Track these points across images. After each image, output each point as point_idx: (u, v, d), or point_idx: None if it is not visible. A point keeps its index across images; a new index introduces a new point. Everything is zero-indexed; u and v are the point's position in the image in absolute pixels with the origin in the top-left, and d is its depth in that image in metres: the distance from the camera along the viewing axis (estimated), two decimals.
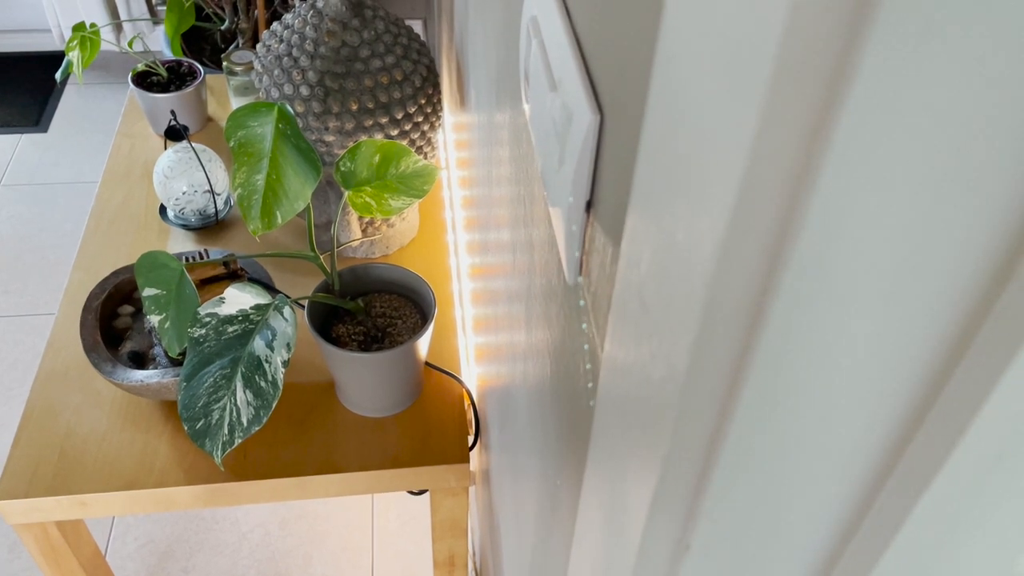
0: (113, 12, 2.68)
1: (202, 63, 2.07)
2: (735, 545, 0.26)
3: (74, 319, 1.18)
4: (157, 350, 1.06)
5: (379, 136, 1.10)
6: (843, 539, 0.25)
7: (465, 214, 1.21)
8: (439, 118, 1.17)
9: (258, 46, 1.14)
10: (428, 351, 1.14)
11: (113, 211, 1.35)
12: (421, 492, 1.59)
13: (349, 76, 1.07)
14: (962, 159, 0.16)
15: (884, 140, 0.16)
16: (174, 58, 1.51)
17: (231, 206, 1.34)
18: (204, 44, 2.16)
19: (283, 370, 0.82)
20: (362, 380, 1.03)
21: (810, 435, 0.23)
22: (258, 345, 0.82)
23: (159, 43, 2.69)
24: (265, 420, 0.82)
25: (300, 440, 1.06)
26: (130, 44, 1.59)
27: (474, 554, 1.53)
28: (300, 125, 1.08)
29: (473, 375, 1.20)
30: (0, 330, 2.07)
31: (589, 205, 0.39)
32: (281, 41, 1.10)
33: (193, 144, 1.25)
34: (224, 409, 0.82)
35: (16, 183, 2.46)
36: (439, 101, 1.16)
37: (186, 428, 0.82)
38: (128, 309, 1.10)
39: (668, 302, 0.25)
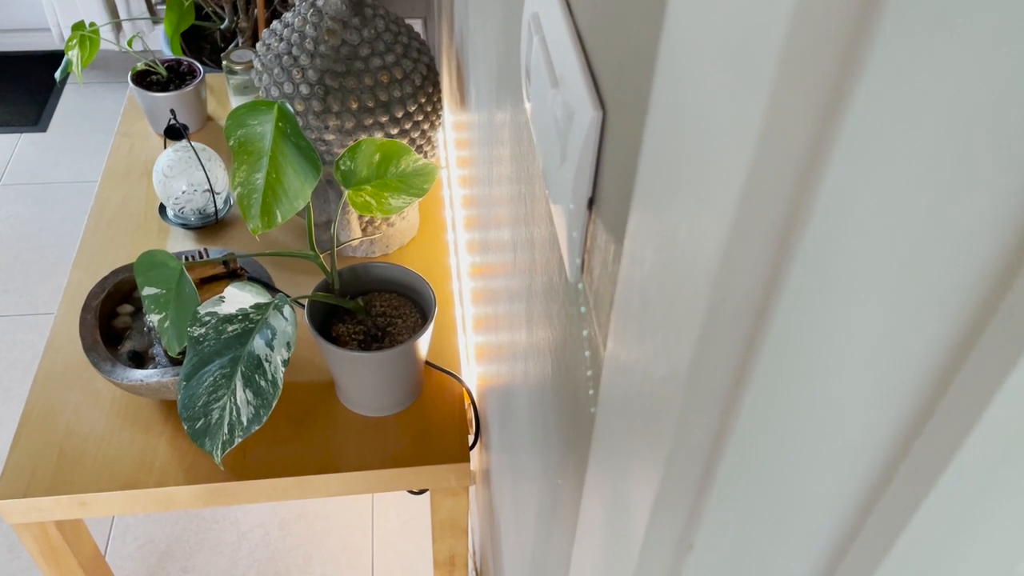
0: (113, 11, 2.68)
1: (202, 62, 2.06)
2: (739, 544, 0.26)
3: (73, 318, 1.18)
4: (157, 349, 1.05)
5: (379, 135, 1.10)
6: (847, 538, 0.25)
7: (465, 213, 1.20)
8: (439, 117, 1.17)
9: (258, 45, 1.14)
10: (428, 350, 1.14)
11: (113, 210, 1.35)
12: (421, 492, 1.59)
13: (349, 75, 1.07)
14: (972, 154, 0.16)
15: (892, 135, 0.16)
16: (174, 57, 1.51)
17: (231, 205, 1.34)
18: (204, 43, 2.16)
19: (283, 369, 0.82)
20: (362, 379, 1.03)
21: (814, 434, 0.22)
22: (258, 344, 0.82)
23: (159, 42, 2.68)
24: (265, 419, 0.82)
25: (300, 439, 1.05)
26: (129, 43, 1.59)
27: (474, 554, 1.53)
28: (300, 124, 1.08)
29: (473, 374, 1.20)
30: None
31: (591, 203, 0.39)
32: (281, 40, 1.10)
33: (193, 143, 1.25)
34: (224, 408, 0.82)
35: (15, 182, 2.46)
36: (439, 100, 1.16)
37: (186, 427, 0.82)
38: (128, 308, 1.10)
39: (671, 300, 0.25)
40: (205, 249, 1.11)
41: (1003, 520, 0.22)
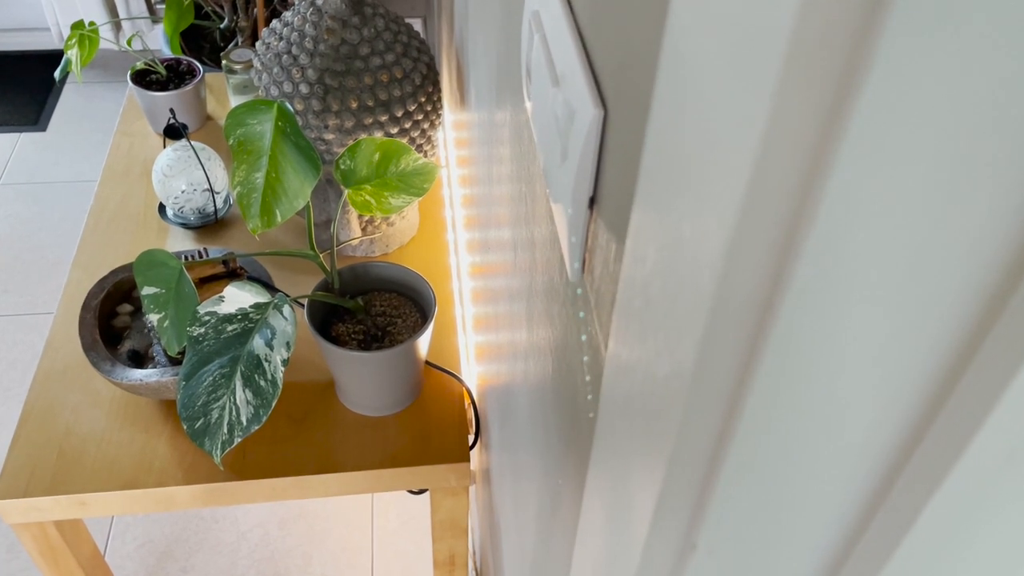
0: (112, 10, 2.68)
1: (201, 61, 2.06)
2: (742, 544, 0.25)
3: (73, 318, 1.17)
4: (156, 349, 1.05)
5: (379, 134, 1.10)
6: (852, 539, 0.25)
7: (465, 212, 1.20)
8: (439, 116, 1.17)
9: (257, 44, 1.13)
10: (428, 350, 1.14)
11: (112, 210, 1.35)
12: (421, 491, 1.59)
13: (349, 74, 1.06)
14: (978, 154, 0.16)
15: (897, 134, 0.16)
16: (173, 56, 1.51)
17: (230, 204, 1.34)
18: (203, 42, 2.15)
19: (283, 369, 0.81)
20: (362, 379, 1.02)
21: (819, 434, 0.22)
22: (257, 344, 0.82)
23: (158, 41, 2.68)
24: (265, 419, 0.81)
25: (300, 439, 1.05)
26: (129, 42, 1.59)
27: (474, 554, 1.53)
28: (300, 123, 1.07)
29: (473, 374, 1.20)
30: None
31: (592, 202, 0.39)
32: (280, 39, 1.10)
33: (192, 142, 1.25)
34: (223, 408, 0.82)
35: (15, 182, 2.46)
36: (439, 99, 1.15)
37: (185, 427, 0.82)
38: (127, 308, 1.10)
39: (674, 299, 0.25)
40: (205, 248, 1.11)
41: (1008, 524, 0.22)
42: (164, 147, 1.27)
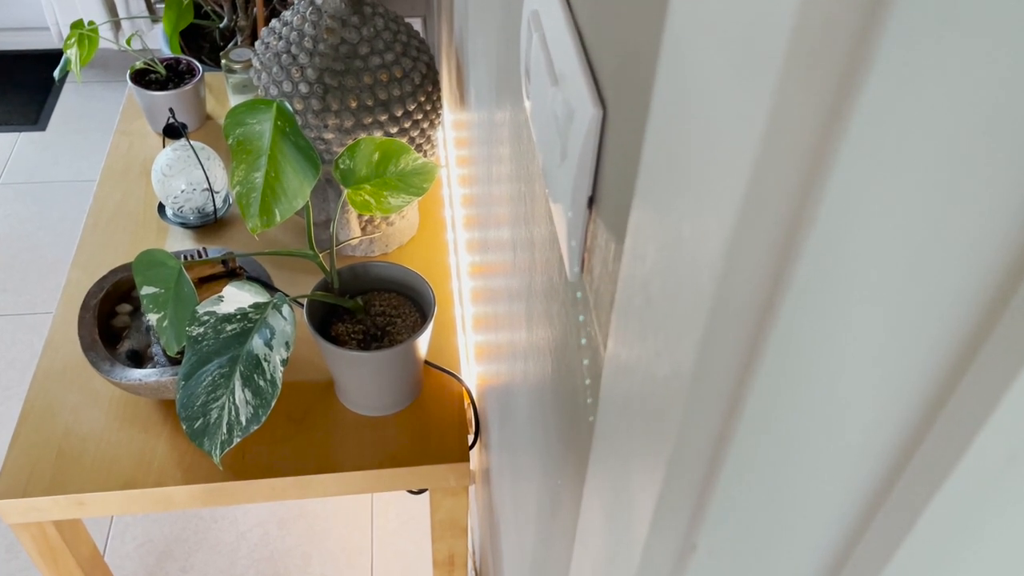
0: (111, 10, 2.68)
1: (201, 61, 2.06)
2: (742, 545, 0.25)
3: (72, 318, 1.17)
4: (155, 349, 1.05)
5: (378, 134, 1.10)
6: (852, 540, 0.25)
7: (465, 212, 1.20)
8: (439, 115, 1.17)
9: (257, 43, 1.13)
10: (428, 350, 1.13)
11: (111, 209, 1.34)
12: (421, 491, 1.59)
13: (348, 73, 1.06)
14: (980, 153, 0.16)
15: (899, 133, 0.16)
16: (172, 56, 1.51)
17: (230, 204, 1.34)
18: (203, 42, 2.15)
19: (282, 369, 0.81)
20: (361, 379, 1.02)
21: (819, 434, 0.22)
22: (257, 344, 0.82)
23: (158, 41, 2.68)
24: (264, 419, 0.81)
25: (299, 439, 1.05)
26: (128, 42, 1.59)
27: (474, 553, 1.53)
28: (299, 123, 1.07)
29: (473, 374, 1.20)
30: None
31: (591, 201, 0.38)
32: (280, 38, 1.10)
33: (192, 142, 1.24)
34: (223, 408, 0.81)
35: (14, 181, 2.46)
36: (439, 98, 1.15)
37: (184, 427, 0.81)
38: (126, 308, 1.10)
39: (674, 299, 0.25)
40: (204, 248, 1.11)
41: (1009, 526, 0.22)
42: (163, 147, 1.27)
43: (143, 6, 2.69)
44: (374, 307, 1.07)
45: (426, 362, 1.13)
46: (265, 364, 0.82)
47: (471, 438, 1.12)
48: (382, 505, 1.75)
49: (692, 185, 0.23)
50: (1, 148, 2.56)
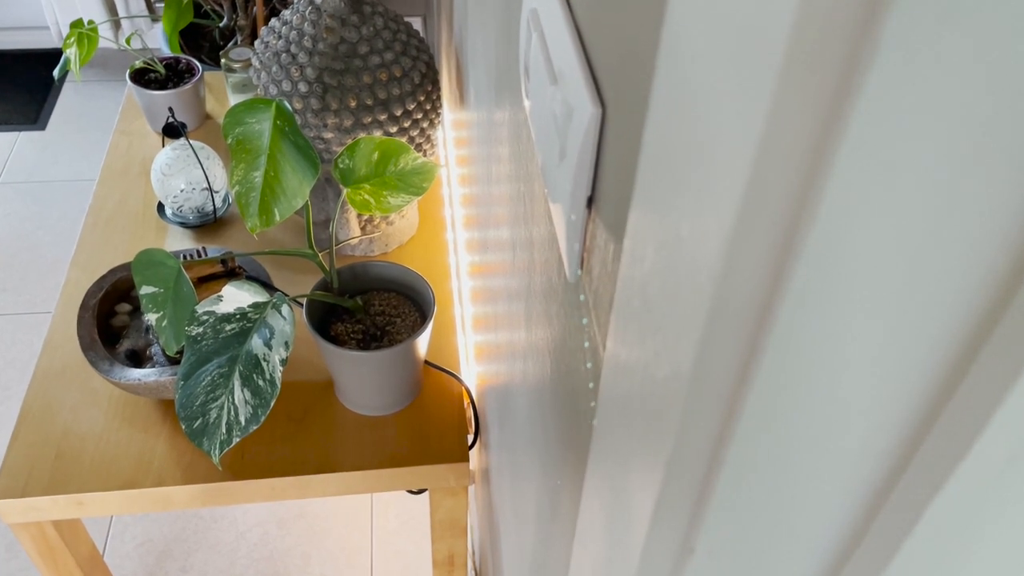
0: (111, 9, 2.68)
1: (200, 60, 2.06)
2: (741, 548, 0.25)
3: (71, 317, 1.17)
4: (155, 348, 1.05)
5: (378, 133, 1.10)
6: (851, 543, 0.24)
7: (465, 212, 1.20)
8: (438, 115, 1.16)
9: (256, 43, 1.13)
10: (427, 349, 1.13)
11: (111, 209, 1.34)
12: (420, 491, 1.59)
13: (347, 73, 1.06)
14: (980, 153, 0.16)
15: (900, 131, 0.16)
16: (172, 55, 1.51)
17: (229, 204, 1.33)
18: (202, 41, 2.15)
19: (281, 369, 0.81)
20: (361, 379, 1.02)
21: (819, 435, 0.22)
22: (256, 343, 0.82)
23: (157, 40, 2.68)
24: (263, 419, 0.81)
25: (298, 439, 1.05)
26: (128, 41, 1.59)
27: (474, 553, 1.53)
28: (298, 122, 1.07)
29: (472, 374, 1.20)
30: None
31: (590, 201, 0.38)
32: (279, 37, 1.10)
33: (191, 141, 1.24)
34: (222, 408, 0.81)
35: (14, 181, 2.46)
36: (438, 98, 1.15)
37: (184, 427, 0.81)
38: (126, 307, 1.10)
39: (673, 299, 0.25)
40: (203, 248, 1.10)
41: (1009, 527, 0.22)
42: (163, 146, 1.27)
43: (143, 5, 2.68)
44: (373, 307, 1.07)
45: (426, 362, 1.13)
46: (264, 364, 0.81)
47: (471, 438, 1.12)
48: (382, 505, 1.75)
49: (691, 185, 0.23)
50: (1, 147, 2.56)
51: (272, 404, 0.81)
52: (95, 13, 2.64)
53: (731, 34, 0.20)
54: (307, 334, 1.16)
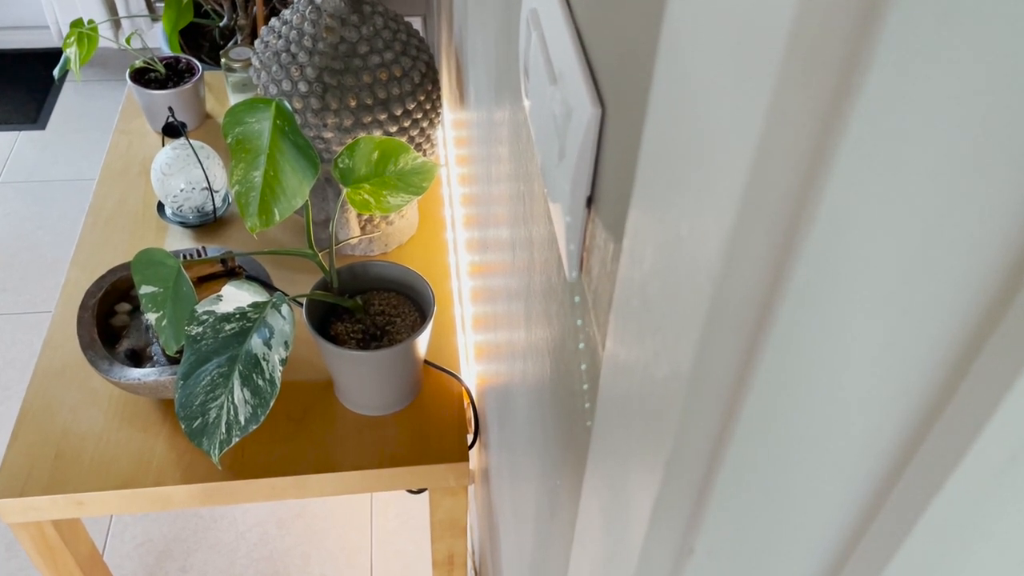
0: (111, 8, 2.68)
1: (200, 60, 2.06)
2: (740, 549, 0.25)
3: (71, 317, 1.17)
4: (154, 348, 1.05)
5: (378, 133, 1.10)
6: (851, 543, 0.24)
7: (465, 211, 1.20)
8: (438, 115, 1.16)
9: (256, 42, 1.13)
10: (427, 349, 1.13)
11: (111, 208, 1.34)
12: (420, 491, 1.58)
13: (347, 72, 1.06)
14: (982, 151, 0.16)
15: (900, 131, 0.16)
16: (172, 54, 1.50)
17: (229, 203, 1.33)
18: (202, 41, 2.15)
19: (281, 368, 0.81)
20: (361, 378, 1.02)
21: (818, 437, 0.22)
22: (256, 343, 0.82)
23: (157, 40, 2.68)
24: (263, 419, 0.81)
25: (298, 439, 1.05)
26: (128, 41, 1.58)
27: (473, 553, 1.53)
28: (298, 121, 1.07)
29: (472, 373, 1.20)
30: None
31: (590, 201, 0.38)
32: (279, 37, 1.10)
33: (191, 141, 1.24)
34: (221, 408, 0.81)
35: (14, 180, 2.45)
36: (438, 98, 1.15)
37: (183, 427, 0.81)
38: (125, 307, 1.10)
39: (672, 299, 0.25)
40: (203, 247, 1.10)
41: (1009, 527, 0.22)
42: (163, 145, 1.27)
43: (143, 5, 2.68)
44: (373, 306, 1.07)
45: (425, 362, 1.13)
46: (264, 363, 0.81)
47: (470, 438, 1.12)
48: (381, 505, 1.75)
49: (691, 184, 0.23)
50: (1, 147, 2.56)
51: (272, 404, 0.81)
52: (95, 12, 2.64)
53: (731, 33, 0.20)
54: (307, 334, 1.16)
